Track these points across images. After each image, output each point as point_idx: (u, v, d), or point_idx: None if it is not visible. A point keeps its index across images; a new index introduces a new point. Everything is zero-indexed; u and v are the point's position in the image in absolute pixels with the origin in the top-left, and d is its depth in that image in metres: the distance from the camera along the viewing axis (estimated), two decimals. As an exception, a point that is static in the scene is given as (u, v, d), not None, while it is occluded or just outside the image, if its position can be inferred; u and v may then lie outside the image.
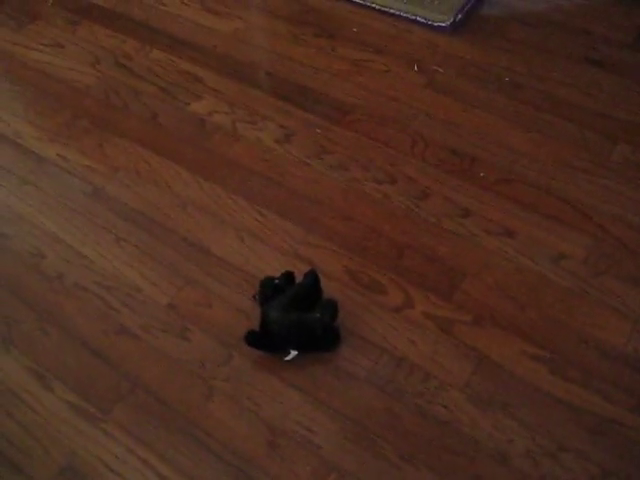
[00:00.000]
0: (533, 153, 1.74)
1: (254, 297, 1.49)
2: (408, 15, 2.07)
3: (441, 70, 1.96)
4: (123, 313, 1.52)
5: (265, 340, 1.41)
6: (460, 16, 2.04)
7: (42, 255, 1.63)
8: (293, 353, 1.41)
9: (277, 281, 1.47)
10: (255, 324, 1.42)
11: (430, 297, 1.50)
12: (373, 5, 2.11)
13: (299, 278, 1.48)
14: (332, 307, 1.42)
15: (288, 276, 1.48)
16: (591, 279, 1.50)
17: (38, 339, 1.49)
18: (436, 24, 2.03)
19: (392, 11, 2.09)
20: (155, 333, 1.48)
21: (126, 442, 1.34)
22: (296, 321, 1.39)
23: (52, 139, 1.87)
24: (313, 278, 1.45)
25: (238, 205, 1.68)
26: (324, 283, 1.49)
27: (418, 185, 1.70)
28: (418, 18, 2.06)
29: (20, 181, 1.78)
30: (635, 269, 1.52)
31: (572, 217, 1.61)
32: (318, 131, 1.83)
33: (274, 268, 1.54)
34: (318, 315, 1.40)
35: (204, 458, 1.30)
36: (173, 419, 1.36)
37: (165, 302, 1.53)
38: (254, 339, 1.41)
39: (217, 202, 1.69)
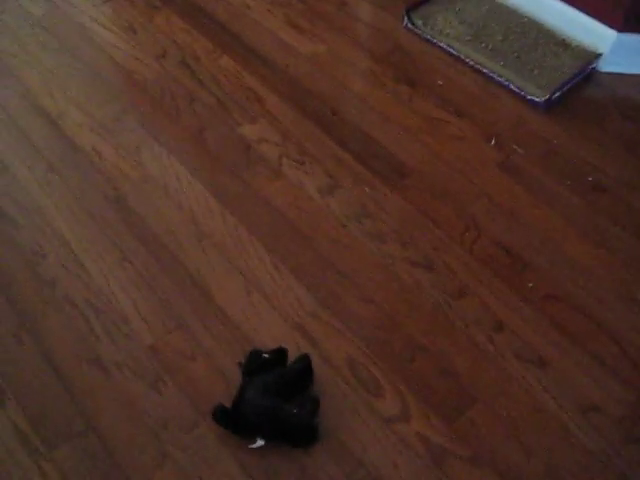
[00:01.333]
0: (596, 273, 1.52)
1: (239, 364, 1.35)
2: (501, 79, 1.86)
3: (520, 151, 1.75)
4: (103, 342, 1.41)
5: (234, 419, 1.27)
6: (558, 94, 1.81)
7: (43, 255, 1.53)
8: (259, 442, 1.26)
9: (266, 356, 1.32)
10: (232, 394, 1.29)
11: (430, 416, 1.32)
12: (466, 59, 1.91)
13: (292, 356, 1.33)
14: (313, 404, 1.27)
15: (280, 354, 1.33)
16: (620, 445, 1.29)
17: (10, 347, 1.40)
18: (529, 97, 1.81)
19: (485, 71, 1.88)
20: (128, 374, 1.36)
21: (59, 491, 1.23)
22: (270, 409, 1.24)
23: (93, 129, 1.78)
24: (304, 365, 1.30)
25: (257, 253, 1.54)
26: (319, 365, 1.35)
27: (456, 280, 1.51)
28: (511, 86, 1.84)
29: (47, 167, 1.69)
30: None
31: (620, 364, 1.39)
32: (366, 190, 1.66)
33: (272, 335, 1.40)
34: (295, 410, 1.24)
35: (132, 536, 1.19)
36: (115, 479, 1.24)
37: (148, 343, 1.41)
38: (222, 416, 1.27)
39: (236, 243, 1.56)
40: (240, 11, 2.11)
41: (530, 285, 1.50)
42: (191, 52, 1.97)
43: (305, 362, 1.31)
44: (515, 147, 1.75)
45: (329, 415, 1.31)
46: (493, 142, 1.77)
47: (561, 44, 1.93)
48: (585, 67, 1.87)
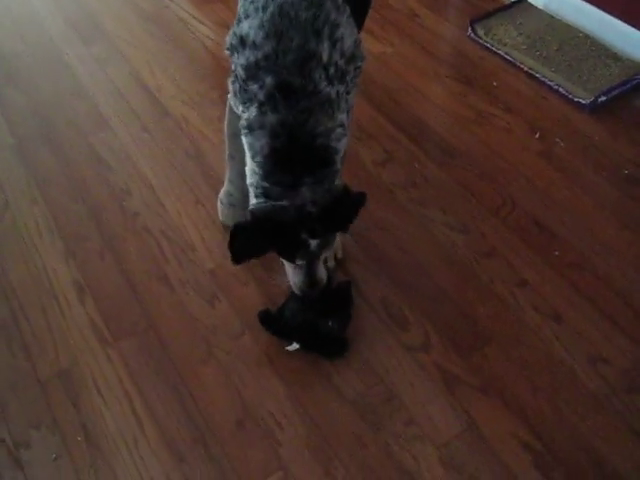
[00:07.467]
0: (619, 249, 1.64)
1: None
2: (551, 83, 2.02)
3: (562, 144, 1.90)
4: (171, 264, 1.63)
5: (275, 323, 1.46)
6: (603, 98, 1.96)
7: (129, 192, 1.79)
8: (295, 346, 1.44)
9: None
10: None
11: (449, 349, 1.46)
12: (522, 66, 2.09)
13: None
14: (345, 320, 1.44)
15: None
16: (622, 393, 1.39)
17: (94, 259, 1.65)
18: (576, 99, 1.97)
19: (537, 75, 2.05)
20: (188, 290, 1.58)
21: (120, 372, 1.44)
22: (308, 318, 1.42)
23: (183, 101, 2.05)
24: (344, 288, 1.49)
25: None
26: (357, 302, 1.52)
27: (487, 243, 1.66)
28: (560, 89, 2.00)
29: (141, 128, 1.97)
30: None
31: (630, 324, 1.50)
32: (416, 165, 1.85)
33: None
34: (330, 322, 1.42)
35: (176, 412, 1.38)
36: (167, 370, 1.44)
37: (209, 267, 1.62)
38: (266, 317, 1.47)
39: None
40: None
41: (556, 253, 1.64)
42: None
43: (345, 286, 1.49)
44: (557, 140, 1.91)
45: (358, 339, 1.48)
46: (537, 135, 1.92)
47: (612, 57, 2.09)
48: (633, 77, 2.01)
